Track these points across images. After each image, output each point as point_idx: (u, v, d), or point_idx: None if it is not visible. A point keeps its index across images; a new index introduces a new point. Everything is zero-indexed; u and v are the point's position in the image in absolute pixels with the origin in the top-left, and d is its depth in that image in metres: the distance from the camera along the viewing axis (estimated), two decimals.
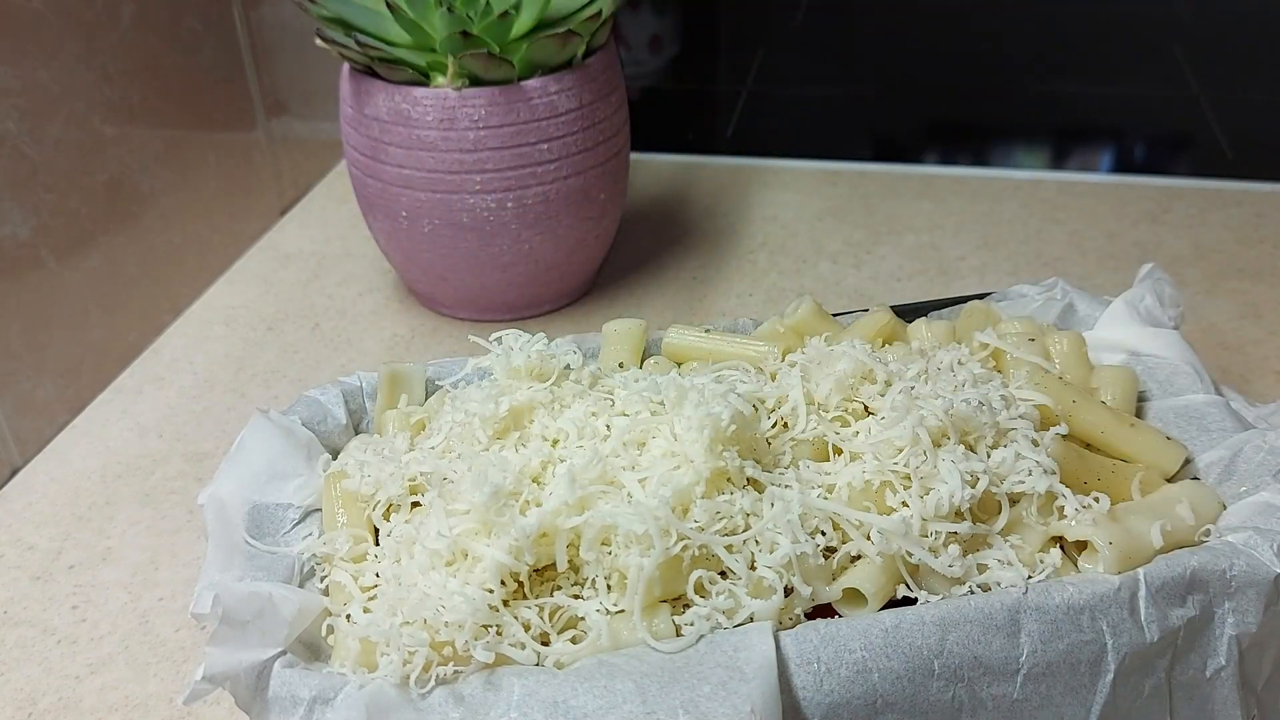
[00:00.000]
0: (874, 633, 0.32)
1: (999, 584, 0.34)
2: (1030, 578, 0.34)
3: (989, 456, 0.36)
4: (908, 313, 0.47)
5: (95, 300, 0.62)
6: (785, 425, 0.39)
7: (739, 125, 0.98)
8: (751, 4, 1.27)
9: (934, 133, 0.99)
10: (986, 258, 0.72)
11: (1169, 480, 0.39)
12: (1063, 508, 0.36)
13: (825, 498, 0.36)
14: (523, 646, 0.32)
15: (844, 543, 0.35)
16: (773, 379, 0.41)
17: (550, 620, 0.33)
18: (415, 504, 0.37)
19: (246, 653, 0.32)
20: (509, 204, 0.60)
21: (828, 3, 1.25)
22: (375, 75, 0.60)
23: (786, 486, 0.36)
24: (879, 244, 0.75)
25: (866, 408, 0.39)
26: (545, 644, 0.33)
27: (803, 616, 0.34)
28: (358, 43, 0.58)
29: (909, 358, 0.41)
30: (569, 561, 0.34)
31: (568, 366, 0.42)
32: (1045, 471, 0.36)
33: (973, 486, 0.35)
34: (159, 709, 0.43)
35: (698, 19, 1.22)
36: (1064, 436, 0.38)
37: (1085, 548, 0.35)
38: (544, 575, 0.35)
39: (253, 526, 0.38)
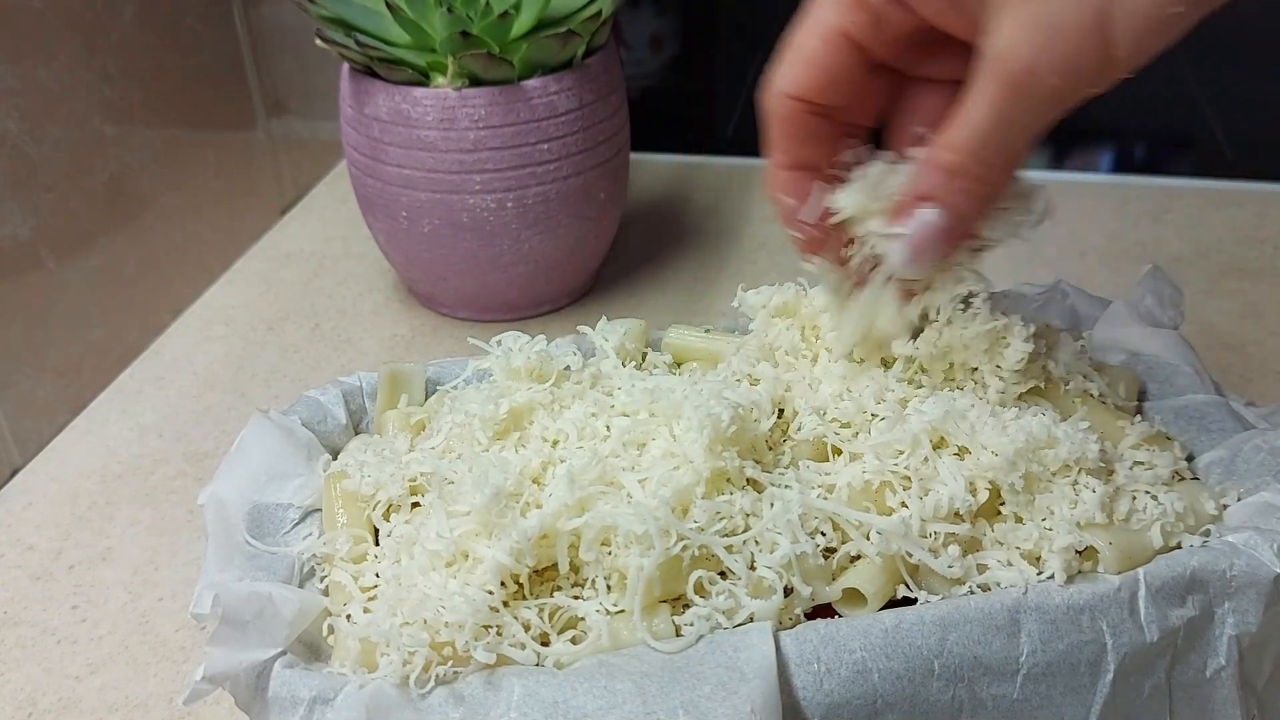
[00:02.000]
0: (874, 633, 0.32)
1: (999, 584, 0.34)
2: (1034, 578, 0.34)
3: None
4: None
5: (95, 300, 0.62)
6: (785, 425, 0.39)
7: (739, 125, 0.98)
8: (751, 4, 1.27)
9: None
10: (986, 258, 0.72)
11: (1169, 481, 0.39)
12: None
13: (825, 498, 0.36)
14: (523, 647, 0.32)
15: (844, 543, 0.35)
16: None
17: (550, 620, 0.33)
18: (415, 504, 0.37)
19: (246, 653, 0.32)
20: (509, 204, 0.60)
21: None
22: (375, 75, 0.60)
23: (786, 487, 0.36)
24: None
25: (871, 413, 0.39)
26: (545, 644, 0.33)
27: (803, 616, 0.34)
28: (358, 43, 0.58)
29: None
30: (569, 562, 0.34)
31: (567, 367, 0.42)
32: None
33: (973, 493, 0.35)
34: (159, 709, 0.44)
35: (698, 19, 1.22)
36: None
37: (1085, 548, 0.35)
38: (544, 575, 0.35)
39: (253, 526, 0.38)
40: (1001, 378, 0.38)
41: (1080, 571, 0.35)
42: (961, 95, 0.32)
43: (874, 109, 0.37)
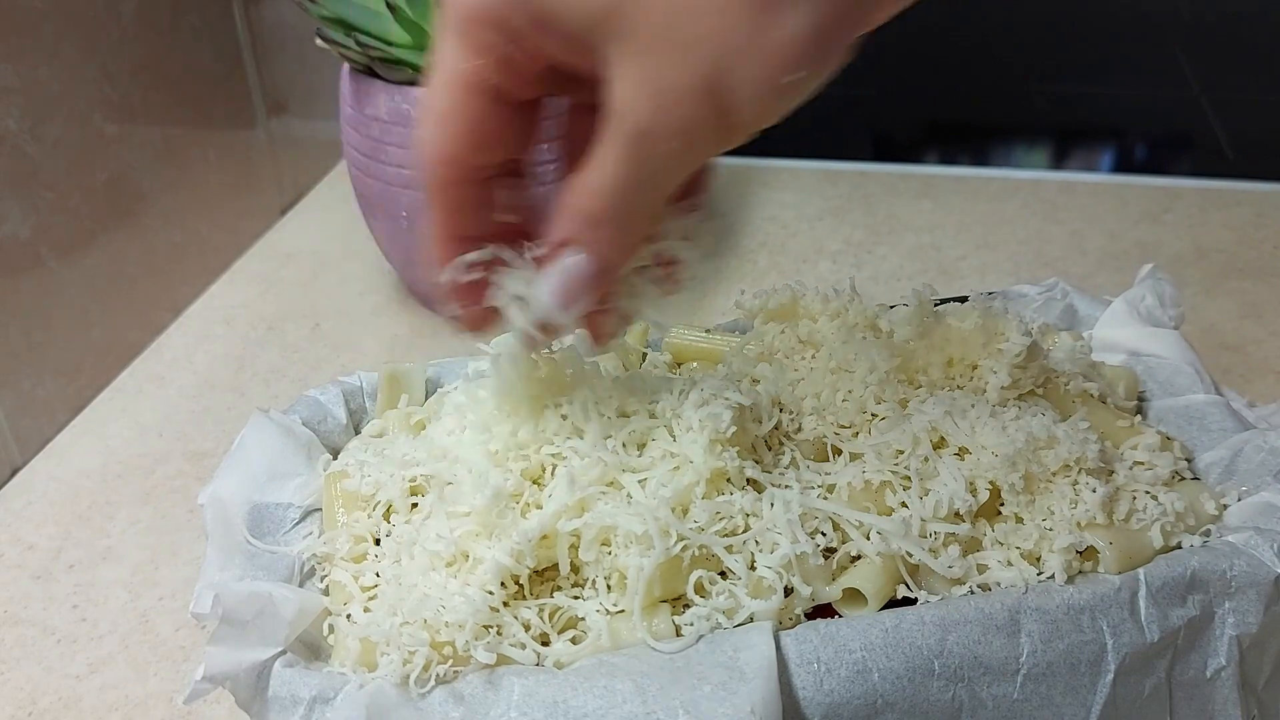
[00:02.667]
0: (874, 633, 0.32)
1: (999, 584, 0.34)
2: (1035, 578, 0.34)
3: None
4: None
5: (95, 300, 0.62)
6: (785, 426, 0.39)
7: None
8: None
9: (934, 133, 0.99)
10: (986, 258, 0.72)
11: (1169, 481, 0.39)
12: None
13: (825, 498, 0.36)
14: (523, 646, 0.32)
15: (844, 543, 0.35)
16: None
17: (550, 620, 0.33)
18: (414, 505, 0.37)
19: (247, 652, 0.32)
20: None
21: None
22: (375, 75, 0.60)
23: (786, 487, 0.36)
24: (879, 244, 0.75)
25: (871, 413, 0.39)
26: (545, 644, 0.33)
27: (803, 616, 0.34)
28: (358, 43, 0.58)
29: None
30: (569, 562, 0.34)
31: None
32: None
33: (973, 493, 0.35)
34: (159, 708, 0.44)
35: None
36: None
37: (1085, 548, 0.35)
38: (544, 575, 0.35)
39: (253, 526, 0.38)
40: (996, 372, 0.38)
41: (1080, 571, 0.35)
42: (596, 142, 0.29)
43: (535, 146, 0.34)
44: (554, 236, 0.31)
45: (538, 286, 0.32)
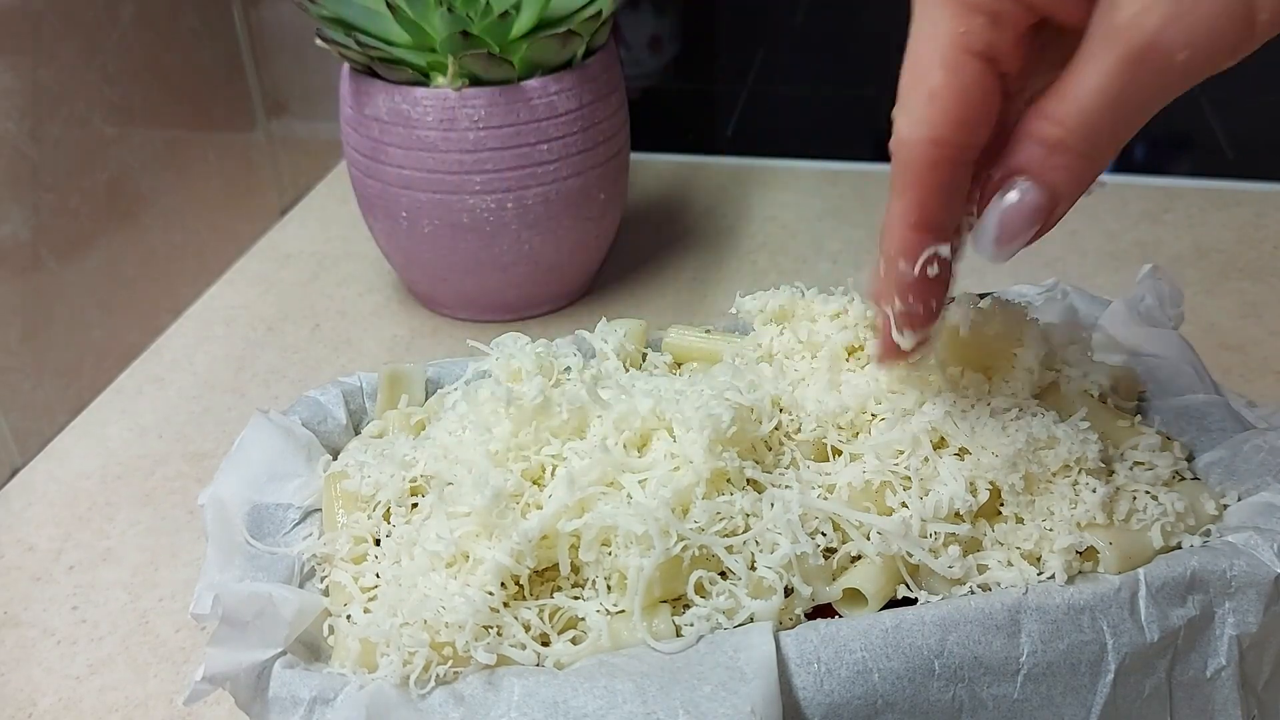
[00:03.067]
0: (874, 633, 0.32)
1: (999, 584, 0.34)
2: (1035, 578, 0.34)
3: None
4: None
5: (95, 300, 0.62)
6: (785, 426, 0.39)
7: (739, 125, 0.98)
8: (751, 4, 1.27)
9: None
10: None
11: (1169, 481, 0.39)
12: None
13: (825, 498, 0.36)
14: (523, 647, 0.32)
15: (844, 543, 0.35)
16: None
17: (550, 621, 0.33)
18: (414, 505, 0.37)
19: (247, 653, 0.32)
20: (509, 204, 0.60)
21: (828, 2, 1.25)
22: (375, 75, 0.60)
23: (786, 487, 0.36)
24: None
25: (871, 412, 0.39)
26: (545, 644, 0.33)
27: (803, 616, 0.34)
28: (358, 43, 0.58)
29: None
30: (570, 563, 0.34)
31: (568, 369, 0.42)
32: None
33: (973, 493, 0.35)
34: (159, 709, 0.44)
35: (698, 19, 1.22)
36: None
37: (1086, 548, 0.35)
38: (544, 576, 0.35)
39: (253, 527, 0.38)
40: (1009, 381, 0.38)
41: (1080, 571, 0.35)
42: (1069, 66, 0.28)
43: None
44: (1005, 166, 0.30)
45: (979, 222, 0.30)
